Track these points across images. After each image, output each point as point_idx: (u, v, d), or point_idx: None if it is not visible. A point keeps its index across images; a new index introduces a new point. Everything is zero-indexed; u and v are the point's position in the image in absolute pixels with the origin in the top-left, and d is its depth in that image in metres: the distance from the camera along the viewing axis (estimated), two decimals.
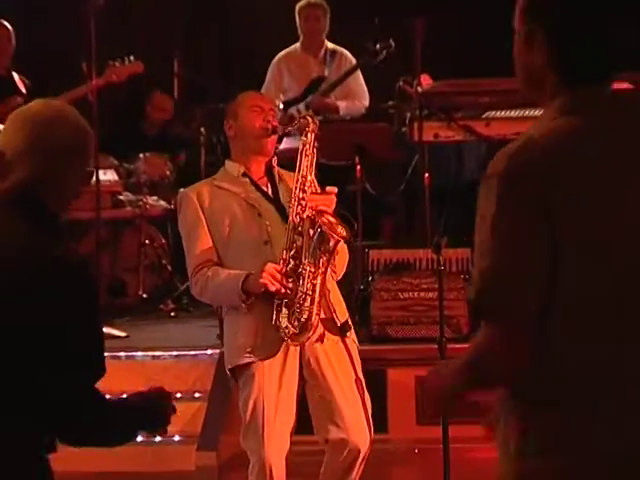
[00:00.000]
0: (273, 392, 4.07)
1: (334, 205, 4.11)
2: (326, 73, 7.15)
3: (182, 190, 4.42)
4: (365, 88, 7.15)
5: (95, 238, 6.80)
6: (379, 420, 4.41)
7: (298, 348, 4.08)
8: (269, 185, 4.29)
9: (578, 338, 2.12)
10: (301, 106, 7.05)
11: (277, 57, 7.25)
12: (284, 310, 4.04)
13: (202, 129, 7.56)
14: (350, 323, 4.15)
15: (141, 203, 7.54)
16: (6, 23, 6.90)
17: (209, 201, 4.22)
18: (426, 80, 6.54)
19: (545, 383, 2.14)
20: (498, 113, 6.47)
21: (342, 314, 4.16)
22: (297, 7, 7.18)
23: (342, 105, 7.06)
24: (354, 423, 4.07)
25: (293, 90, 7.13)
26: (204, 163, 7.40)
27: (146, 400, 2.88)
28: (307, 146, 4.19)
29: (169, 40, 8.13)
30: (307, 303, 4.03)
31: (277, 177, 4.29)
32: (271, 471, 4.06)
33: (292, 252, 4.08)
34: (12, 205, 2.62)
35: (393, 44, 6.67)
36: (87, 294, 2.59)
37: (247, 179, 4.27)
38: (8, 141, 2.67)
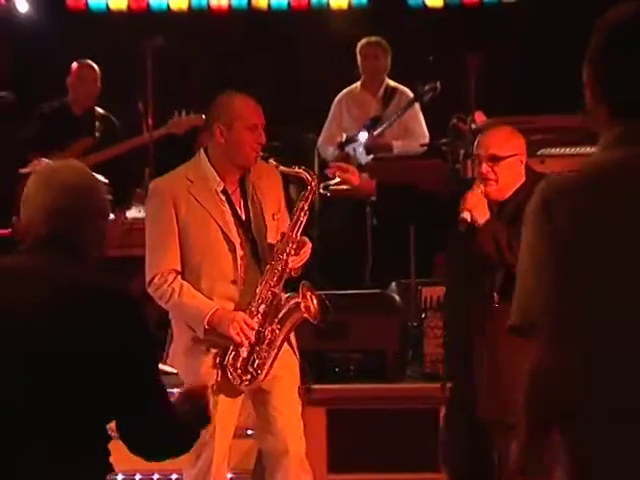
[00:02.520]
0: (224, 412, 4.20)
1: (308, 256, 4.18)
2: (384, 112, 7.17)
3: (156, 181, 4.39)
4: (424, 127, 7.16)
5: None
6: (431, 459, 4.38)
7: None
8: (242, 203, 4.26)
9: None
10: (356, 145, 7.07)
11: (339, 96, 7.30)
12: (239, 356, 4.14)
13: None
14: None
15: None
16: (94, 64, 7.09)
17: (185, 211, 4.18)
18: (480, 117, 6.53)
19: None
20: (553, 150, 6.44)
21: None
22: (358, 46, 7.22)
23: (397, 144, 7.07)
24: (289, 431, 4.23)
25: (351, 129, 7.15)
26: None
27: (191, 401, 2.88)
28: (302, 208, 4.21)
29: (224, 79, 8.21)
30: (261, 360, 4.14)
31: (250, 193, 4.26)
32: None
33: (262, 307, 4.13)
34: (50, 247, 2.67)
35: (439, 86, 6.69)
36: (143, 322, 2.67)
37: (224, 198, 4.23)
38: (30, 201, 2.71)
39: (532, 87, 7.78)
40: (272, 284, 4.13)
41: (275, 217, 4.25)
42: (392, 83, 7.28)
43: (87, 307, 2.60)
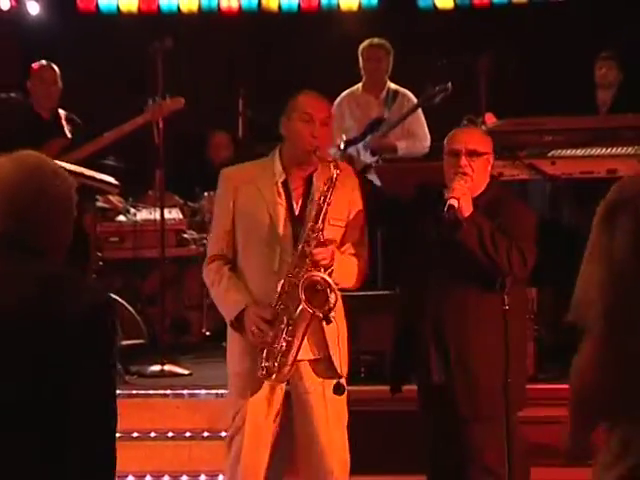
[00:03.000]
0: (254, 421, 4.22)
1: (333, 258, 4.12)
2: (386, 114, 7.17)
3: (225, 169, 4.48)
4: (426, 129, 7.16)
5: (160, 276, 6.86)
6: None
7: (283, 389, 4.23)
8: (300, 201, 4.28)
9: None
10: (360, 146, 7.07)
11: (340, 97, 7.29)
12: (267, 356, 4.13)
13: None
14: (344, 385, 4.19)
15: (205, 241, 7.59)
16: (53, 65, 6.90)
17: (243, 199, 4.27)
18: (490, 119, 6.53)
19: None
20: (564, 152, 6.42)
21: (342, 367, 4.22)
22: (360, 47, 7.21)
23: (401, 145, 7.07)
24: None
25: (353, 130, 7.15)
26: None
27: None
28: (327, 193, 4.16)
29: (234, 81, 8.23)
30: (282, 353, 4.12)
31: (312, 193, 4.27)
32: None
33: (280, 304, 4.12)
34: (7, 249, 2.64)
35: (450, 87, 6.68)
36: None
37: (283, 192, 4.26)
38: None
39: (542, 88, 7.77)
40: (292, 275, 4.12)
41: (333, 223, 4.23)
42: (393, 85, 7.27)
43: (52, 302, 2.55)
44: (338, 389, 4.18)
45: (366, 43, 7.21)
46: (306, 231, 4.13)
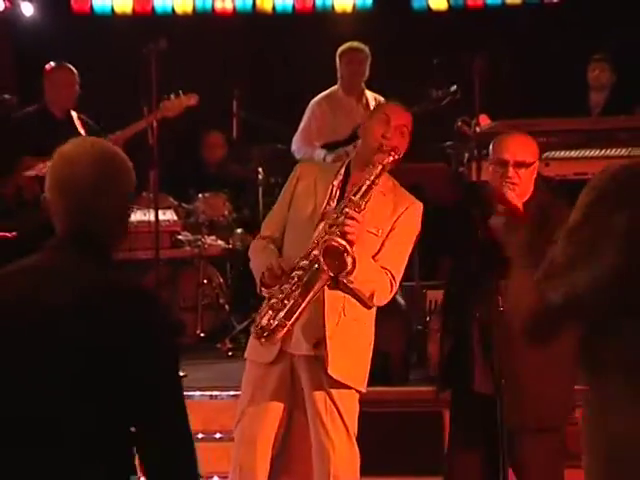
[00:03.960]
0: (258, 400, 4.30)
1: (359, 233, 4.11)
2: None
3: (301, 162, 4.83)
4: None
5: (154, 278, 6.85)
6: (435, 462, 4.39)
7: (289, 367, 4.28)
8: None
9: None
10: (349, 148, 7.06)
11: (317, 99, 7.21)
12: (269, 311, 4.16)
13: (260, 169, 7.62)
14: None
15: (200, 243, 7.60)
16: (71, 67, 6.93)
17: (300, 190, 4.40)
18: (484, 120, 6.54)
19: None
20: (558, 153, 6.45)
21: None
22: (339, 51, 7.16)
23: None
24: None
25: (337, 132, 7.10)
26: (262, 204, 7.45)
27: None
28: (375, 172, 4.20)
29: (229, 82, 8.23)
30: (285, 311, 4.12)
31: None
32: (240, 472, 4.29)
33: (300, 264, 4.15)
34: (70, 245, 2.66)
35: (456, 89, 6.68)
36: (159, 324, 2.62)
37: (336, 193, 4.33)
38: (46, 184, 2.71)
39: (536, 90, 7.79)
40: (318, 241, 4.13)
41: (370, 231, 4.24)
42: (368, 92, 7.24)
43: (108, 308, 2.57)
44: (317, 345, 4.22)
45: (347, 47, 7.16)
46: (345, 202, 4.17)
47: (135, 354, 2.54)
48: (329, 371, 4.21)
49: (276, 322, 4.12)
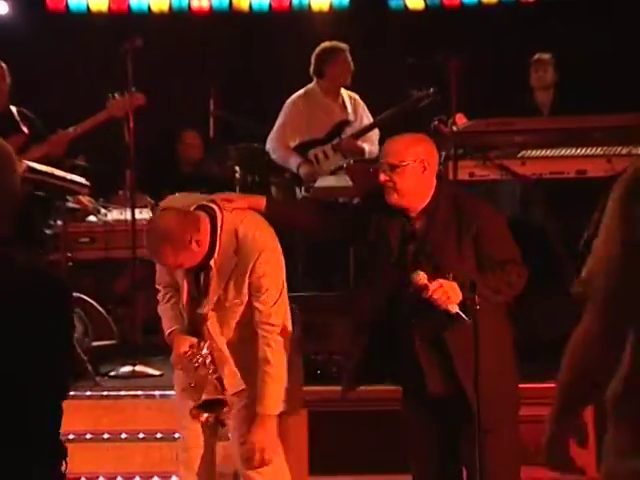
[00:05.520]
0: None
1: None
2: (351, 117, 7.15)
3: None
4: (377, 133, 7.16)
5: (131, 277, 6.84)
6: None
7: None
8: None
9: None
10: (327, 148, 7.06)
11: (294, 97, 7.16)
12: None
13: (237, 168, 7.61)
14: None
15: None
16: (1, 62, 6.85)
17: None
18: (461, 119, 6.54)
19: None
20: (534, 152, 6.45)
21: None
22: (325, 50, 7.10)
23: (367, 149, 7.08)
24: None
25: (313, 131, 7.09)
26: None
27: None
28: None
29: (205, 80, 8.22)
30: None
31: None
32: None
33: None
34: None
35: (434, 91, 6.69)
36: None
37: None
38: None
39: (513, 89, 7.81)
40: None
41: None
42: (343, 89, 7.24)
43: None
44: None
45: (335, 46, 7.09)
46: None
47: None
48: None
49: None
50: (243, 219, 4.31)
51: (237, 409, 4.43)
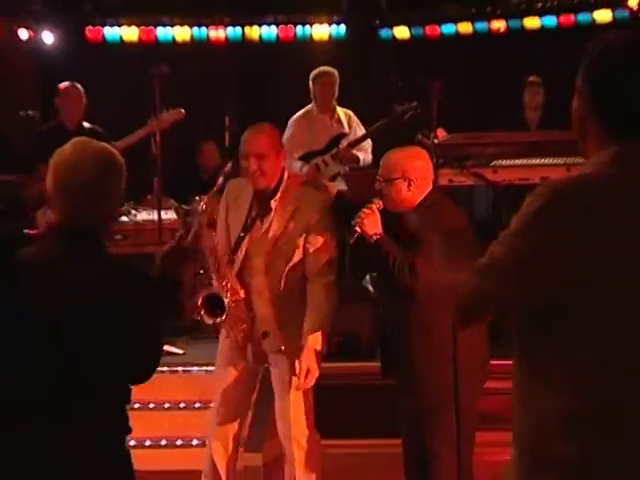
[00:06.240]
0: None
1: None
2: (346, 131, 7.10)
3: None
4: (370, 144, 7.10)
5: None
6: (396, 426, 4.31)
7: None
8: None
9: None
10: (327, 157, 7.02)
11: (296, 117, 7.14)
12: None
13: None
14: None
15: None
16: (78, 85, 6.94)
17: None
18: (442, 133, 6.50)
19: None
20: (504, 162, 6.42)
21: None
22: (312, 75, 7.06)
23: (362, 157, 7.03)
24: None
25: (314, 144, 7.05)
26: None
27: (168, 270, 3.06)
28: None
29: (222, 101, 8.18)
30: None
31: None
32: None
33: None
34: (65, 235, 2.59)
35: (417, 105, 6.62)
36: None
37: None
38: (47, 182, 2.65)
39: (486, 107, 7.76)
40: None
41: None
42: (339, 108, 7.18)
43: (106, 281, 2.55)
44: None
45: (318, 71, 7.07)
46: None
47: (127, 311, 2.54)
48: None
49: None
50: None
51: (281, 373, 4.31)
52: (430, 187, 4.17)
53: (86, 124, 6.87)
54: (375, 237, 4.02)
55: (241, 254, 4.20)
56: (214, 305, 4.19)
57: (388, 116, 6.90)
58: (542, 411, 2.10)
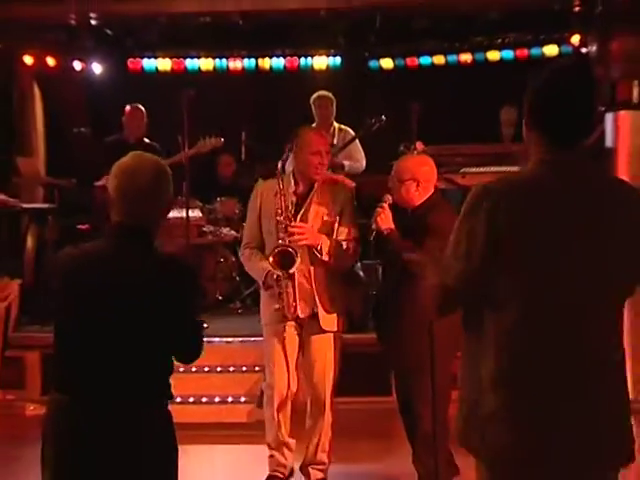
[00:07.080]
0: (279, 348, 4.32)
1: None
2: (335, 142, 7.07)
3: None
4: (362, 154, 7.05)
5: (185, 259, 6.77)
6: (384, 386, 4.32)
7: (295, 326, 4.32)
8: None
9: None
10: None
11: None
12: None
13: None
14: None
15: (218, 233, 7.55)
16: (140, 106, 7.11)
17: (267, 199, 4.51)
18: (420, 145, 6.48)
19: None
20: (471, 169, 6.44)
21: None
22: (312, 99, 7.02)
23: (346, 163, 6.98)
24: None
25: None
26: None
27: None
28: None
29: (238, 119, 8.19)
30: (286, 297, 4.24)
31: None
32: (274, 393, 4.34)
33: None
34: (126, 235, 2.59)
35: (384, 118, 6.60)
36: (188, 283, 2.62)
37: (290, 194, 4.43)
38: (109, 186, 2.64)
39: (457, 124, 7.73)
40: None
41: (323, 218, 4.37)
42: (336, 124, 7.16)
43: (151, 278, 2.54)
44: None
45: (317, 95, 7.03)
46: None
47: (175, 301, 2.53)
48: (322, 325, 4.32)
49: (285, 305, 4.21)
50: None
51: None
52: (433, 189, 4.20)
53: (146, 140, 6.96)
54: (387, 232, 4.07)
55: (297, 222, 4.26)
56: (284, 260, 4.16)
57: (362, 127, 6.90)
58: (478, 369, 2.13)
